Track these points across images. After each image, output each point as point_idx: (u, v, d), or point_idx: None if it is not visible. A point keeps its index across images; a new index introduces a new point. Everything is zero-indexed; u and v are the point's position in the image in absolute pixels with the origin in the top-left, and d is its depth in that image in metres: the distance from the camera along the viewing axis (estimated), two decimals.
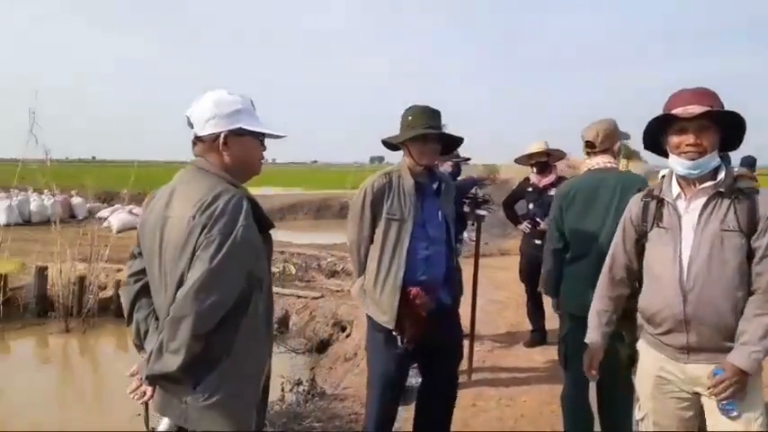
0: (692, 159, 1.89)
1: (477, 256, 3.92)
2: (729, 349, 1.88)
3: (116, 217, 13.71)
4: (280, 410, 3.50)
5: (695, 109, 1.87)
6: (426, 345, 2.66)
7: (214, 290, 1.59)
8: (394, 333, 2.62)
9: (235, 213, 1.64)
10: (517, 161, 5.26)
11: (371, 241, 2.67)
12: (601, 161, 2.95)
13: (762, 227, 1.85)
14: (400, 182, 2.65)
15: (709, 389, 1.89)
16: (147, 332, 1.81)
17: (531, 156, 4.96)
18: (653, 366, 2.07)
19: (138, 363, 1.78)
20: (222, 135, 1.76)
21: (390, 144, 2.76)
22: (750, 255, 1.87)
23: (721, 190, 1.90)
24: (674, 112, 1.91)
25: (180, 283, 1.64)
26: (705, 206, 1.92)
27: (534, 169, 5.00)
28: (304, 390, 3.60)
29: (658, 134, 2.01)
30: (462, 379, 3.97)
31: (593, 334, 2.23)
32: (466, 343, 4.96)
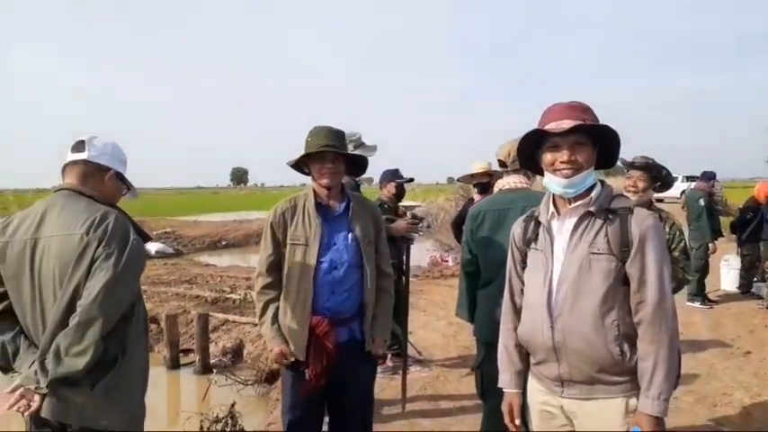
0: (567, 177, 1.79)
1: (407, 281, 3.79)
2: (604, 382, 1.77)
3: None
4: None
5: (567, 124, 1.77)
6: (336, 381, 2.51)
7: (118, 294, 1.85)
8: (301, 368, 2.49)
9: (125, 229, 1.92)
10: (460, 180, 5.21)
11: (279, 268, 2.55)
12: (511, 181, 2.87)
13: (634, 250, 1.73)
14: (305, 205, 2.57)
15: None
16: (15, 352, 1.91)
17: (473, 176, 4.91)
18: (536, 400, 1.95)
19: (17, 382, 1.82)
20: (113, 171, 2.09)
21: (300, 167, 2.67)
22: (626, 280, 1.75)
23: (592, 210, 1.79)
24: (546, 127, 1.81)
25: (74, 295, 1.83)
26: (576, 227, 1.81)
27: (476, 189, 4.94)
28: (223, 428, 3.43)
29: (534, 151, 1.92)
30: (396, 410, 3.85)
31: (505, 376, 2.02)
32: (414, 369, 4.88)
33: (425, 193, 26.42)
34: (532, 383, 1.97)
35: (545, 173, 1.87)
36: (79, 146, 2.05)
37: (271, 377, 5.76)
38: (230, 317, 7.59)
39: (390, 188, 4.97)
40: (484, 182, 4.82)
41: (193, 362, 6.41)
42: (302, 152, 2.58)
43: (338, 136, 2.59)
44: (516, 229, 2.04)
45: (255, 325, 7.01)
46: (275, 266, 2.54)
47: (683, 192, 24.84)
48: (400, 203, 5.03)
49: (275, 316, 2.53)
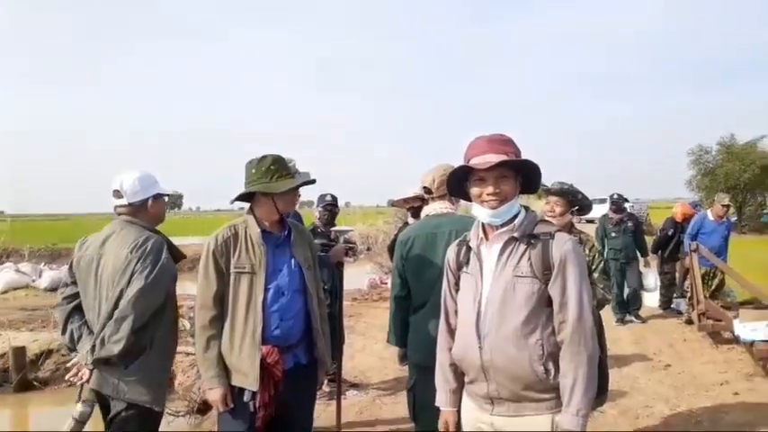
0: (493, 208, 1.90)
1: (340, 305, 3.80)
2: (530, 399, 1.86)
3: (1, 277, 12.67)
4: None
5: (492, 158, 1.87)
6: (279, 408, 2.48)
7: (148, 299, 2.50)
8: (245, 399, 2.42)
9: (159, 250, 2.59)
10: (393, 204, 5.28)
11: (223, 301, 2.47)
12: (437, 207, 2.96)
13: (555, 272, 1.84)
14: (247, 233, 2.52)
15: None
16: (80, 337, 2.63)
17: (406, 200, 4.99)
18: (469, 417, 2.03)
19: (75, 359, 2.58)
20: (149, 199, 2.77)
21: (243, 195, 2.61)
22: (549, 301, 1.86)
23: (515, 235, 1.90)
24: (471, 163, 1.91)
25: (119, 297, 2.50)
26: (502, 251, 1.91)
27: (410, 213, 5.02)
28: None
29: (463, 182, 2.01)
30: None
31: (442, 395, 2.10)
32: (350, 393, 4.86)
33: (365, 217, 26.58)
34: (466, 401, 2.04)
35: (473, 203, 1.98)
36: (117, 194, 2.74)
37: (203, 408, 5.59)
38: None
39: (318, 213, 5.01)
40: (417, 206, 4.91)
41: None
42: (246, 179, 2.53)
43: (286, 164, 2.62)
44: (450, 253, 2.12)
45: (187, 354, 6.79)
46: (219, 298, 2.46)
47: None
48: (333, 228, 5.05)
49: (220, 355, 2.45)
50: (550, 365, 1.83)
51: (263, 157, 2.55)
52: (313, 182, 2.77)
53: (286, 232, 2.61)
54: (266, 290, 2.45)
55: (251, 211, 2.58)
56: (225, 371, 2.44)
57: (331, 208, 5.04)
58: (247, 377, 2.39)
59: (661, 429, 4.15)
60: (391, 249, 5.38)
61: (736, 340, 6.01)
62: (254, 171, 2.51)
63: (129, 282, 2.49)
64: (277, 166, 2.52)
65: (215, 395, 2.42)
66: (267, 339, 2.43)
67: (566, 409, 1.79)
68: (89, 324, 2.65)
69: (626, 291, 7.96)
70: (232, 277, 2.45)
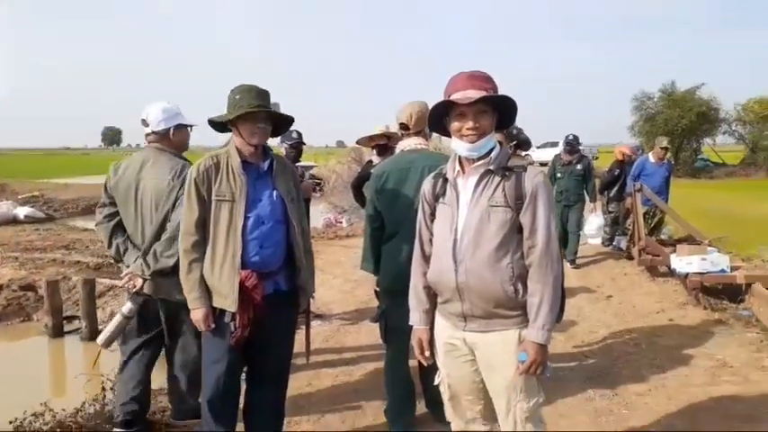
0: (472, 142, 2.01)
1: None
2: (500, 316, 2.03)
3: None
4: (95, 412, 3.28)
5: (473, 94, 1.97)
6: (259, 332, 2.57)
7: None
8: (226, 320, 2.51)
9: None
10: (358, 143, 5.33)
11: (205, 226, 2.53)
12: (413, 142, 3.05)
13: (527, 202, 1.99)
14: (228, 162, 2.55)
15: (521, 374, 2.00)
16: (126, 250, 3.03)
17: (371, 138, 5.04)
18: (442, 334, 2.20)
19: (129, 269, 2.96)
20: (171, 128, 3.10)
21: (219, 125, 2.62)
22: (520, 228, 2.01)
23: (491, 168, 2.03)
24: (453, 98, 2.00)
25: (165, 218, 2.92)
26: (478, 183, 2.05)
27: (375, 151, 5.08)
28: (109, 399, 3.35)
29: (442, 117, 2.11)
30: (301, 362, 3.98)
31: (415, 315, 2.26)
32: (315, 323, 5.03)
33: (315, 157, 26.34)
34: (439, 320, 2.21)
35: (453, 137, 2.08)
36: (144, 122, 3.10)
37: None
38: (118, 282, 7.25)
39: (284, 150, 5.00)
40: (382, 144, 4.97)
41: (79, 329, 6.10)
42: (224, 110, 2.54)
43: (266, 96, 2.60)
44: (427, 185, 2.24)
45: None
46: (201, 224, 2.53)
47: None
48: (298, 164, 5.07)
49: (201, 277, 2.52)
50: (519, 286, 2.00)
51: (241, 87, 2.55)
52: (291, 120, 2.78)
53: (268, 164, 2.65)
54: (246, 218, 2.51)
55: (235, 140, 2.60)
56: (207, 292, 2.52)
57: (297, 145, 5.04)
58: (226, 299, 2.48)
59: (602, 350, 4.52)
60: (355, 187, 5.49)
61: (671, 273, 6.47)
62: (237, 97, 2.52)
63: (173, 206, 2.89)
64: (254, 97, 2.51)
65: (198, 315, 2.51)
66: (246, 265, 2.50)
67: (532, 324, 1.98)
68: (131, 239, 3.04)
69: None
70: (213, 204, 2.50)
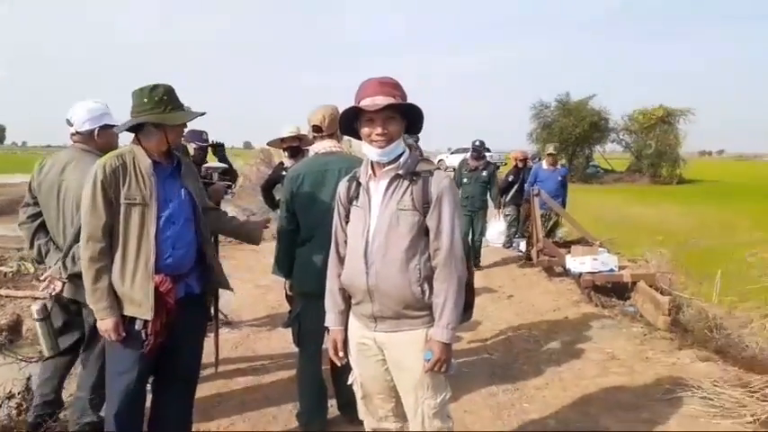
0: (381, 147, 2.08)
1: (216, 242, 3.79)
2: (408, 317, 2.12)
3: None
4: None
5: (381, 101, 2.04)
6: (170, 336, 2.49)
7: None
8: (137, 327, 2.40)
9: None
10: (269, 144, 5.26)
11: (112, 232, 2.40)
12: (327, 145, 3.07)
13: (433, 205, 2.08)
14: (135, 163, 2.43)
15: (427, 372, 2.09)
16: (47, 252, 2.97)
17: (283, 140, 4.99)
18: (355, 334, 2.26)
19: (49, 272, 2.88)
20: (96, 129, 2.97)
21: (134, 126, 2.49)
22: (427, 231, 2.10)
23: (400, 173, 2.11)
24: (362, 104, 2.06)
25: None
26: (388, 187, 2.12)
27: (286, 153, 5.04)
28: (17, 403, 3.14)
29: (353, 121, 2.16)
30: (210, 371, 3.88)
31: (331, 316, 2.30)
32: (224, 331, 4.90)
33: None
34: (353, 321, 2.28)
35: (363, 142, 2.15)
36: (68, 122, 2.99)
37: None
38: (2, 291, 6.69)
39: (192, 150, 4.85)
40: (294, 146, 4.94)
41: None
42: (136, 108, 2.43)
43: (177, 96, 2.54)
44: (341, 188, 2.29)
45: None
46: (108, 230, 2.39)
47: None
48: (205, 165, 4.92)
49: (110, 285, 2.40)
50: (426, 287, 2.09)
51: (155, 87, 2.46)
52: (203, 114, 2.73)
53: (175, 163, 2.59)
54: (158, 219, 2.43)
55: (137, 141, 2.50)
56: (116, 301, 2.41)
57: (206, 147, 4.90)
58: (141, 307, 2.39)
59: (504, 347, 4.76)
60: (265, 189, 5.43)
61: (567, 273, 6.92)
62: (145, 100, 2.41)
63: None
64: (169, 97, 2.46)
65: (107, 325, 2.39)
66: (159, 268, 2.43)
67: (437, 324, 2.08)
68: (53, 240, 2.96)
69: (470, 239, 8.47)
70: (122, 208, 2.39)
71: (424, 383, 2.14)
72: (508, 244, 9.38)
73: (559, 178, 8.54)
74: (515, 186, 9.22)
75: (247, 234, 3.03)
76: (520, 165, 9.28)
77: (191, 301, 2.59)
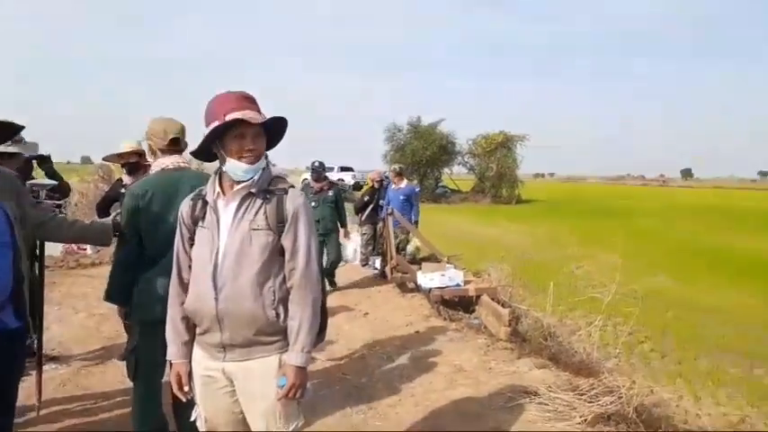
0: (251, 164, 1.97)
1: (41, 269, 3.37)
2: (261, 343, 2.00)
3: None
4: None
5: (255, 116, 1.93)
6: None
7: None
8: None
9: None
10: (106, 159, 4.84)
11: None
12: (174, 161, 2.87)
13: (288, 225, 2.00)
14: None
15: (280, 399, 1.97)
16: None
17: (121, 155, 4.61)
18: (200, 366, 2.09)
19: None
20: None
21: None
22: (282, 251, 2.01)
23: (253, 191, 2.00)
24: (245, 117, 1.92)
25: None
26: (239, 206, 2.00)
27: (125, 170, 4.66)
28: None
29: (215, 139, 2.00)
30: (32, 414, 3.41)
31: (173, 348, 2.10)
32: (49, 367, 4.35)
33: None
34: (197, 352, 2.10)
35: (228, 159, 1.99)
36: None
37: None
38: None
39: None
40: (132, 162, 4.58)
41: None
42: None
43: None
44: (185, 207, 2.11)
45: None
46: None
47: (339, 179, 28.65)
48: (30, 182, 4.38)
49: None
50: (281, 310, 2.00)
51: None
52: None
53: None
54: None
55: None
56: None
57: (29, 160, 4.36)
58: None
59: (359, 365, 4.77)
60: (101, 209, 4.96)
61: (418, 289, 7.16)
62: None
63: None
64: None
65: None
66: None
67: (292, 348, 1.99)
68: None
69: (325, 261, 8.33)
70: None
71: (275, 412, 2.02)
72: (365, 262, 9.52)
73: (401, 197, 8.87)
74: (371, 205, 9.41)
75: (96, 235, 2.81)
76: (376, 185, 9.52)
77: (6, 336, 2.25)
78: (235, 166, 1.99)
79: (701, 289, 8.30)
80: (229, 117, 1.92)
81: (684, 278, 9.05)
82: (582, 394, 3.84)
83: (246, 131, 1.96)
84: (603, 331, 5.50)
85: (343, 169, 29.91)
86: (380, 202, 9.29)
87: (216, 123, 1.95)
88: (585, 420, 3.56)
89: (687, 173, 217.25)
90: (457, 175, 36.73)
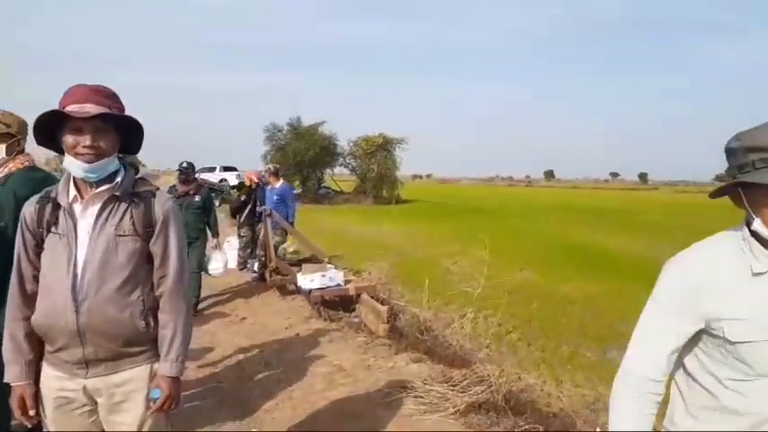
0: (89, 162, 1.77)
1: None
2: (129, 355, 1.86)
3: None
4: None
5: (92, 109, 1.75)
6: None
7: None
8: None
9: None
10: None
11: None
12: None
13: (158, 230, 1.87)
14: None
15: (152, 412, 1.85)
16: None
17: None
18: (52, 387, 1.87)
19: None
20: None
21: None
22: (150, 258, 1.88)
23: (117, 194, 1.85)
24: (68, 109, 1.74)
25: None
26: (101, 211, 1.83)
27: None
28: None
29: (55, 131, 1.80)
30: None
31: (15, 369, 1.85)
32: None
33: None
34: (49, 371, 1.89)
35: (66, 155, 1.81)
36: None
37: None
38: None
39: None
40: None
41: None
42: None
43: None
44: (29, 210, 1.88)
45: None
46: None
47: (222, 180, 27.38)
48: None
49: None
50: (150, 319, 1.87)
51: None
52: None
53: None
54: None
55: None
56: None
57: None
58: None
59: (235, 374, 4.61)
60: None
61: (298, 291, 7.06)
62: None
63: None
64: None
65: None
66: None
67: (165, 358, 1.87)
68: None
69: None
70: None
71: (143, 426, 1.89)
72: (242, 266, 9.22)
73: (276, 197, 8.73)
74: (249, 206, 9.13)
75: None
76: (253, 185, 9.25)
77: None
78: (70, 163, 1.81)
79: (561, 281, 8.99)
80: (68, 109, 1.75)
81: (546, 271, 9.76)
82: (455, 385, 3.98)
83: (84, 126, 1.76)
84: (475, 323, 5.75)
85: (227, 169, 29.00)
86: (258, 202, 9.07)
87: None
88: (458, 410, 3.69)
89: (550, 174, 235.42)
90: (339, 176, 36.95)
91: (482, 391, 3.85)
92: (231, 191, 23.52)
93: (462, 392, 3.87)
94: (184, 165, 6.89)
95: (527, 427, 3.48)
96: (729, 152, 1.41)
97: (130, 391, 1.88)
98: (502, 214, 23.66)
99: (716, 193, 1.43)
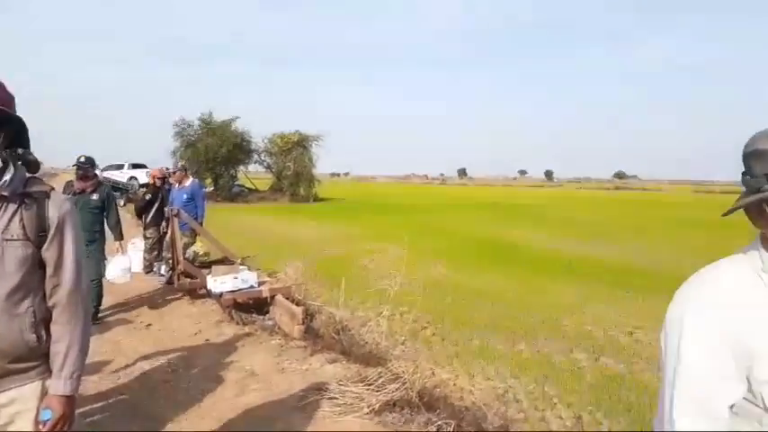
0: None
1: None
2: (16, 372, 1.71)
3: None
4: None
5: None
6: None
7: None
8: None
9: None
10: None
11: None
12: None
13: (52, 234, 1.72)
14: None
15: None
16: None
17: None
18: None
19: None
20: None
21: None
22: (42, 265, 1.73)
23: (5, 194, 1.68)
24: None
25: None
26: None
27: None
28: None
29: None
30: None
31: None
32: None
33: None
34: None
35: None
36: None
37: None
38: None
39: None
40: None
41: None
42: None
43: None
44: None
45: None
46: None
47: (131, 177, 25.80)
48: None
49: None
50: (42, 332, 1.73)
51: None
52: None
53: None
54: None
55: None
56: None
57: None
58: None
59: (140, 385, 4.36)
60: None
61: (209, 294, 6.80)
62: None
63: None
64: None
65: None
66: None
67: (59, 373, 1.73)
68: None
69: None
70: None
71: None
72: (149, 269, 8.77)
73: (185, 196, 8.41)
74: (155, 206, 8.69)
75: None
76: (158, 183, 8.81)
77: None
78: None
79: (473, 275, 9.23)
80: None
81: (459, 266, 9.99)
82: (370, 384, 3.97)
83: None
84: (391, 320, 5.78)
85: (136, 166, 27.57)
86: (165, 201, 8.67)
87: None
88: (373, 410, 3.68)
89: (462, 172, 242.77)
90: (254, 173, 36.09)
91: (397, 389, 3.86)
92: (140, 189, 22.39)
93: (377, 391, 3.86)
94: (82, 159, 6.16)
95: (440, 422, 3.52)
96: (755, 155, 1.13)
97: (16, 412, 1.72)
98: (417, 211, 24.05)
99: (732, 210, 1.17)
